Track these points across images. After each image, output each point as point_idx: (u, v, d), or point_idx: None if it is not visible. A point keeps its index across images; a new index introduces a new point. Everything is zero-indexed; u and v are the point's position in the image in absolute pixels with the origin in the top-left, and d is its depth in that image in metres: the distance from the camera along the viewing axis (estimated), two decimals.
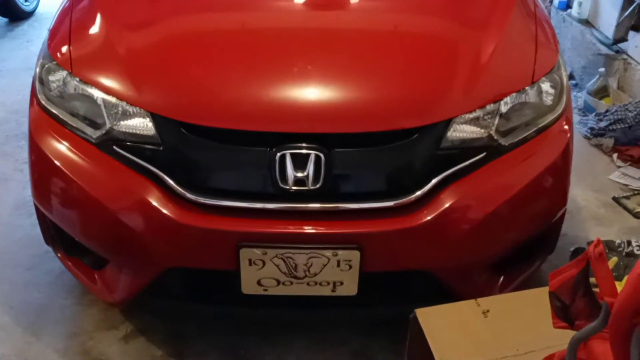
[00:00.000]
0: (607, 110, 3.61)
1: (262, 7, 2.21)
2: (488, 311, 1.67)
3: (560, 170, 1.97)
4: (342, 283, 1.83)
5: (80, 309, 2.32)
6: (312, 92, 1.84)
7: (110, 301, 2.03)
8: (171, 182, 1.79)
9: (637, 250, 2.24)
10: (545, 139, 1.94)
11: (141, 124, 1.82)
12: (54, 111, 1.93)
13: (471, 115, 1.83)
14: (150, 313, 2.29)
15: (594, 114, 3.71)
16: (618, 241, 2.30)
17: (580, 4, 4.31)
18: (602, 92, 3.81)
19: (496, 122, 1.86)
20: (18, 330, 2.23)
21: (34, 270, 2.49)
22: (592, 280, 1.09)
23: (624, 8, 3.74)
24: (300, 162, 1.75)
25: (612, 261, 1.97)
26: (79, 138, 1.88)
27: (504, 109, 1.87)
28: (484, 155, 1.84)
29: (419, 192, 1.79)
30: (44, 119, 1.95)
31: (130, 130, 1.83)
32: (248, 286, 1.84)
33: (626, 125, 3.49)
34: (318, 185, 1.76)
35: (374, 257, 1.80)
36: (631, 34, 3.79)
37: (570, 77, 4.25)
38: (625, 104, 3.59)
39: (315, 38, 2.06)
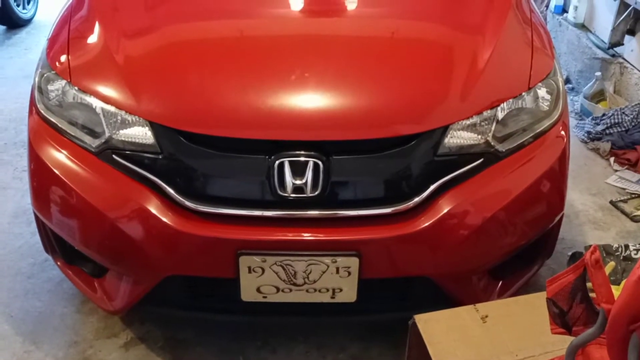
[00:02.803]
0: (603, 114, 3.63)
1: (259, 15, 2.22)
2: (487, 317, 1.68)
3: (557, 175, 1.98)
4: (341, 290, 1.84)
5: (80, 317, 2.32)
6: (310, 100, 1.85)
7: (110, 309, 2.03)
8: (170, 190, 1.79)
9: (635, 254, 2.24)
10: (542, 145, 1.95)
11: (140, 133, 1.82)
12: (53, 120, 1.94)
13: (468, 122, 1.84)
14: (150, 321, 2.29)
15: (590, 117, 3.72)
16: (615, 245, 2.29)
17: (576, 8, 4.33)
18: (598, 96, 3.83)
19: (493, 128, 1.87)
20: (18, 339, 2.23)
21: (33, 278, 2.50)
22: (590, 285, 1.09)
23: (619, 12, 3.75)
24: (298, 169, 1.76)
25: (610, 266, 1.97)
26: (78, 147, 1.89)
27: (500, 115, 1.88)
28: (481, 161, 1.85)
29: (417, 199, 1.80)
30: (43, 128, 1.96)
31: (129, 139, 1.83)
32: (247, 293, 1.85)
33: (623, 129, 3.51)
34: (316, 193, 1.77)
35: (373, 263, 1.81)
36: (627, 38, 3.81)
37: (567, 81, 4.27)
38: (621, 108, 3.60)
39: (312, 46, 2.07)
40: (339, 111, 1.83)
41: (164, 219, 1.77)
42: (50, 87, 1.98)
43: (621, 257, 2.28)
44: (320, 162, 1.75)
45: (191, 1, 2.26)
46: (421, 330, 1.62)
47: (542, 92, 1.99)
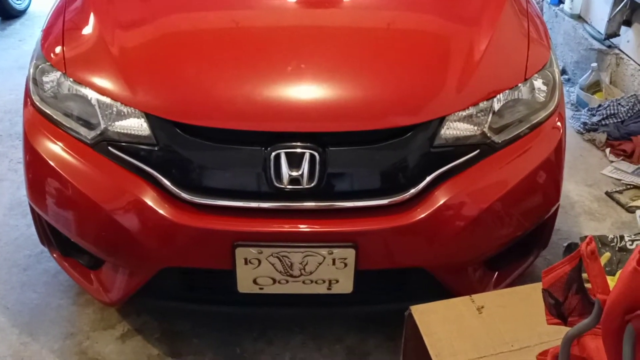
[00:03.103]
0: (599, 105, 3.63)
1: (255, 5, 2.22)
2: (483, 307, 1.68)
3: (553, 167, 1.98)
4: (337, 281, 1.84)
5: (76, 309, 2.32)
6: (306, 91, 1.85)
7: (106, 301, 2.03)
8: (166, 182, 1.79)
9: (630, 245, 2.25)
10: (538, 136, 1.95)
11: (136, 124, 1.82)
12: (48, 112, 1.93)
13: (464, 113, 1.84)
14: (147, 312, 2.29)
15: (586, 108, 3.73)
16: (611, 236, 2.30)
17: None
18: (594, 87, 3.83)
19: (489, 119, 1.87)
20: (14, 331, 2.23)
21: (29, 270, 2.49)
22: (585, 275, 1.10)
23: (615, 3, 3.75)
24: (294, 160, 1.76)
25: (605, 256, 1.97)
26: (73, 139, 1.88)
27: (496, 106, 1.88)
28: (478, 152, 1.86)
29: (413, 190, 1.80)
30: (38, 120, 1.95)
31: (125, 131, 1.83)
32: (244, 285, 1.85)
33: (619, 120, 3.51)
34: (313, 184, 1.77)
35: (369, 254, 1.81)
36: (623, 29, 3.81)
37: (563, 72, 4.27)
38: (617, 99, 3.61)
39: (308, 36, 2.06)
40: (335, 102, 1.82)
41: (160, 211, 1.77)
42: (45, 79, 1.97)
43: (616, 248, 2.29)
44: (316, 154, 1.75)
45: None
46: (417, 321, 1.63)
47: (538, 83, 1.99)
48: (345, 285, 1.85)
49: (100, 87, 1.87)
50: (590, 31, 4.11)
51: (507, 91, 1.91)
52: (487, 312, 1.66)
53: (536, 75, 1.99)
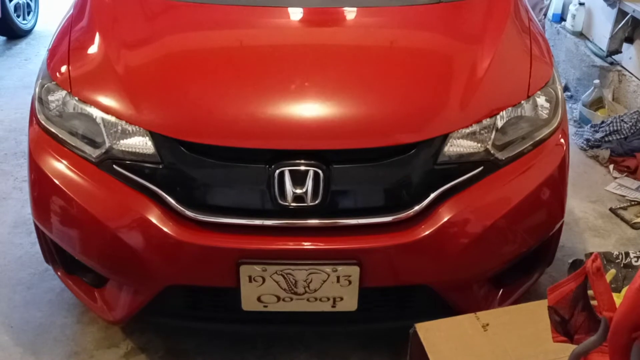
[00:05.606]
0: (602, 122, 3.64)
1: (259, 25, 2.23)
2: (487, 325, 1.68)
3: (557, 183, 1.98)
4: (342, 298, 1.83)
5: (80, 328, 2.31)
6: (309, 109, 1.86)
7: (110, 319, 2.03)
8: (171, 200, 1.80)
9: (635, 261, 2.25)
10: (542, 152, 1.95)
11: (140, 143, 1.83)
12: (54, 130, 1.94)
13: (468, 130, 1.85)
14: (151, 330, 2.28)
15: (589, 125, 3.73)
16: (616, 252, 2.29)
17: (574, 17, 4.35)
18: (597, 104, 3.84)
19: (492, 136, 1.87)
20: (18, 350, 2.22)
21: (33, 288, 2.49)
22: (591, 292, 1.10)
23: (617, 20, 3.77)
24: (299, 178, 1.76)
25: (610, 273, 1.97)
26: (78, 157, 1.89)
27: (500, 123, 1.89)
28: (481, 169, 1.86)
29: (417, 207, 1.80)
30: (43, 139, 1.96)
31: (130, 149, 1.84)
32: (248, 303, 1.84)
33: (622, 137, 3.52)
34: (317, 202, 1.77)
35: (374, 272, 1.81)
36: (625, 45, 3.82)
37: (565, 88, 4.28)
38: (620, 115, 3.61)
39: (312, 55, 2.07)
40: (339, 120, 1.83)
41: (165, 229, 1.77)
42: (50, 98, 1.98)
43: (621, 265, 2.28)
44: (320, 171, 1.76)
45: (191, 12, 2.27)
46: (422, 338, 1.62)
47: (541, 100, 1.99)
48: (349, 302, 1.84)
49: (105, 105, 1.88)
50: (592, 48, 4.13)
51: (510, 108, 1.92)
52: (492, 329, 1.66)
53: (539, 92, 1.99)
